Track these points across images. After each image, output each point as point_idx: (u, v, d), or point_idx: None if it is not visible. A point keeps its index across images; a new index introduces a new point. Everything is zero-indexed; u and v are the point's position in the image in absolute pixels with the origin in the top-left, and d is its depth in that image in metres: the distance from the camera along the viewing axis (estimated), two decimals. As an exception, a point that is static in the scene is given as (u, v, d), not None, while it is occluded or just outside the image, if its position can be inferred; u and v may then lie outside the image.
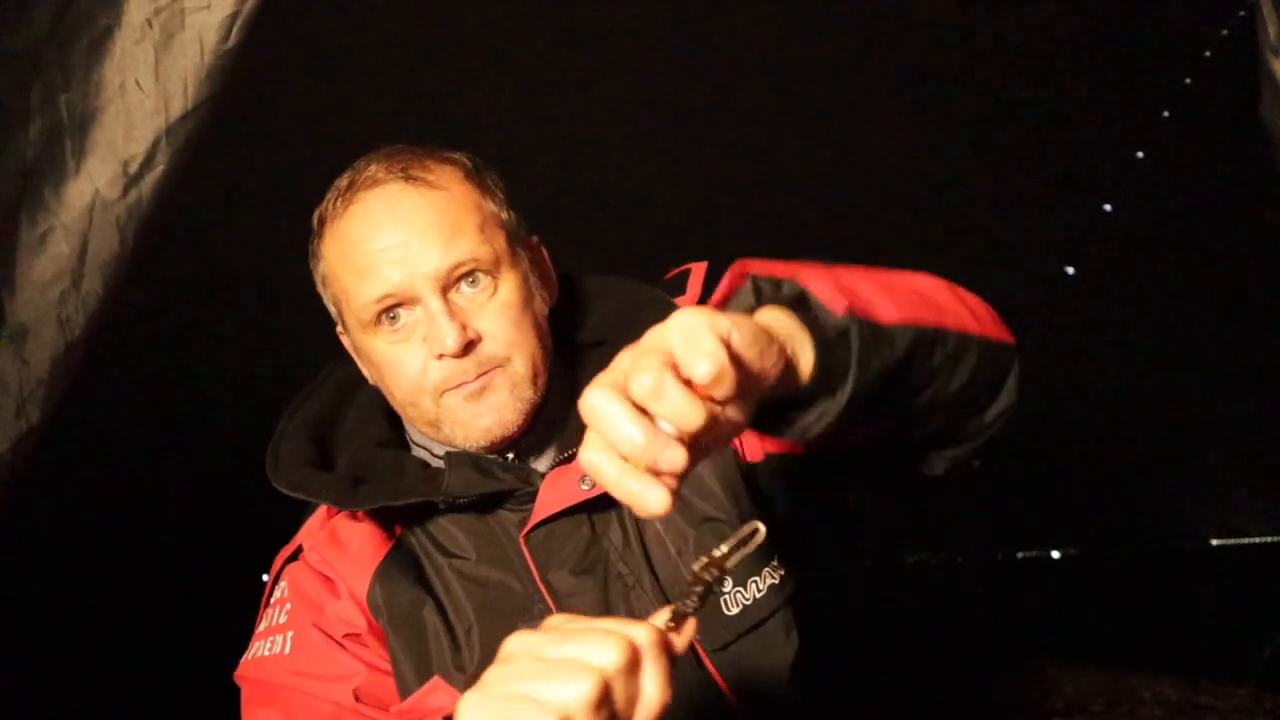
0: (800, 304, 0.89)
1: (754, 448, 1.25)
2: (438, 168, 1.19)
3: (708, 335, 0.73)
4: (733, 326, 0.76)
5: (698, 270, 1.34)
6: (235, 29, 1.35)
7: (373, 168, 1.18)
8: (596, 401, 0.73)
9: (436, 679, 1.01)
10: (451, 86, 2.50)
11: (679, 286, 1.34)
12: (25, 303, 1.34)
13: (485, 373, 1.17)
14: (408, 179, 1.16)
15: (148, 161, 1.35)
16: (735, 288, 0.94)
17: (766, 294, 0.91)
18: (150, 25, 1.34)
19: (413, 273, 1.13)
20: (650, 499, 0.72)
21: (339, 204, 1.18)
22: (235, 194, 2.16)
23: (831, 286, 0.88)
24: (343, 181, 1.19)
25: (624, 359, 0.77)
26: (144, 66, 1.35)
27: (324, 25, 2.23)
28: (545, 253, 1.30)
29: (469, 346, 1.15)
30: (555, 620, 0.77)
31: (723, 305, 0.95)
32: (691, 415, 0.72)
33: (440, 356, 1.15)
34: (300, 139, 2.10)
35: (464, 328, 1.14)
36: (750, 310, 0.89)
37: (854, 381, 0.84)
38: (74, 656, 2.70)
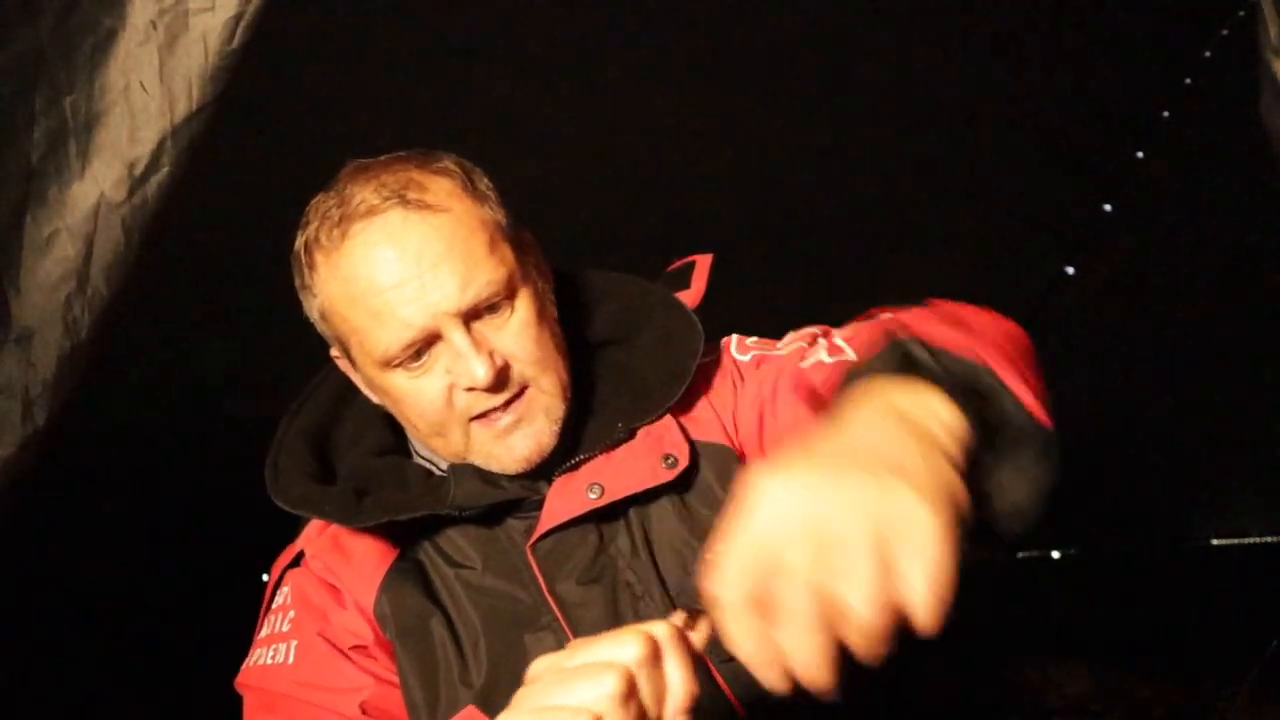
0: (971, 390, 0.82)
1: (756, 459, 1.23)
2: (432, 184, 1.13)
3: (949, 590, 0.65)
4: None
5: (703, 263, 1.33)
6: (240, 30, 1.35)
7: (364, 192, 1.11)
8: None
9: (471, 710, 1.02)
10: (458, 85, 2.50)
11: (683, 280, 1.32)
12: (31, 305, 1.33)
13: (515, 398, 1.14)
14: (405, 204, 1.09)
15: (153, 163, 1.35)
16: (881, 346, 0.90)
17: (927, 367, 0.85)
18: (154, 27, 1.34)
19: (434, 311, 1.09)
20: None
21: (333, 235, 1.11)
22: (241, 195, 2.16)
23: (1027, 389, 0.84)
24: (330, 209, 1.12)
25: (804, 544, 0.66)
26: (148, 68, 1.34)
27: (328, 25, 2.23)
28: (538, 242, 1.26)
29: (500, 374, 1.12)
30: (578, 642, 0.78)
31: (863, 363, 0.91)
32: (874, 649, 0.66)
33: (470, 389, 1.12)
34: (306, 139, 2.10)
35: (492, 356, 1.11)
36: (895, 372, 0.83)
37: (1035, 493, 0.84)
38: (78, 658, 2.70)
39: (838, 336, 1.23)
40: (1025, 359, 0.97)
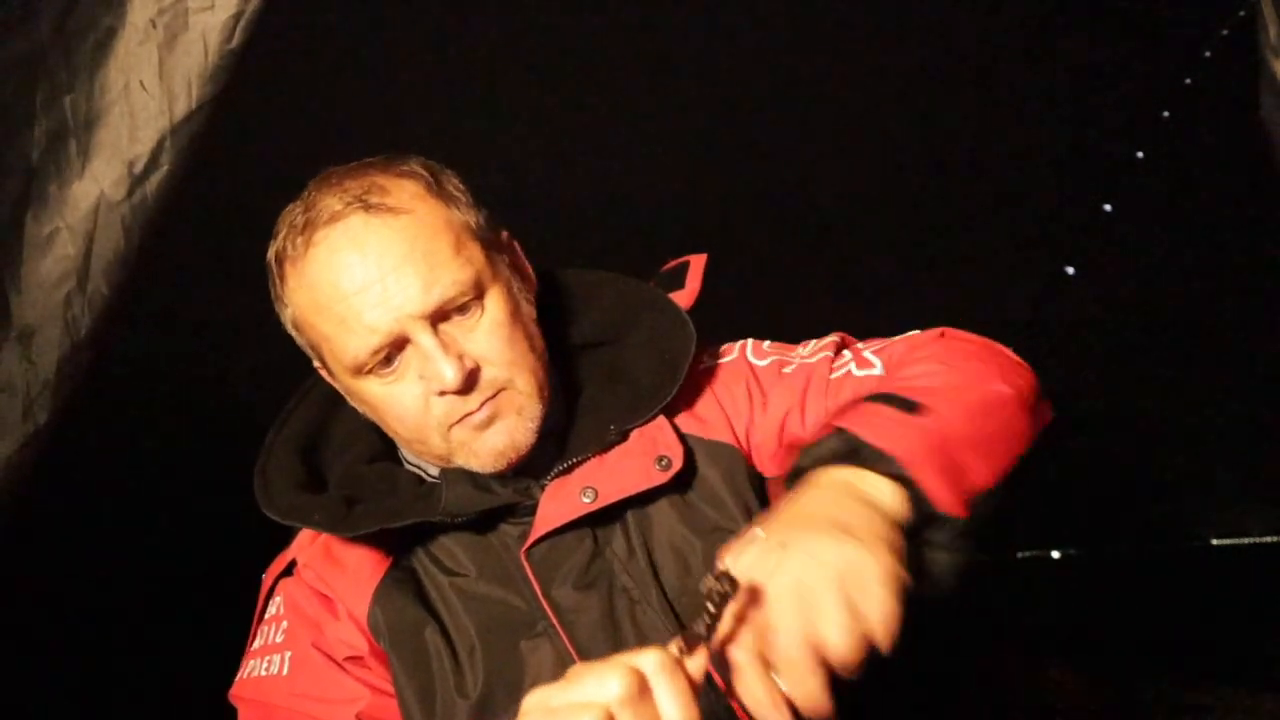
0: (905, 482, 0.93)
1: (767, 463, 1.22)
2: (395, 187, 1.11)
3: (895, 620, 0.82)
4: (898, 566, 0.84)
5: (696, 263, 1.31)
6: (239, 29, 1.35)
7: (327, 199, 1.09)
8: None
9: None
10: (456, 85, 2.50)
11: (676, 280, 1.31)
12: (31, 304, 1.34)
13: (490, 399, 1.12)
14: (367, 208, 1.08)
15: (152, 162, 1.36)
16: (822, 438, 0.97)
17: (863, 458, 0.94)
18: (154, 26, 1.35)
19: (398, 314, 1.07)
20: None
21: (298, 243, 1.09)
22: (240, 194, 2.16)
23: (944, 482, 0.92)
24: (296, 218, 1.11)
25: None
26: (148, 67, 1.35)
27: (328, 24, 2.24)
28: (517, 245, 1.24)
29: (470, 377, 1.10)
30: (576, 669, 0.78)
31: (799, 448, 0.99)
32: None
33: (442, 393, 1.11)
34: (305, 138, 2.10)
35: (461, 359, 1.09)
36: (832, 459, 0.95)
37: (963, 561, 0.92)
38: (78, 658, 2.70)
39: (866, 350, 1.23)
40: (998, 423, 1.04)
